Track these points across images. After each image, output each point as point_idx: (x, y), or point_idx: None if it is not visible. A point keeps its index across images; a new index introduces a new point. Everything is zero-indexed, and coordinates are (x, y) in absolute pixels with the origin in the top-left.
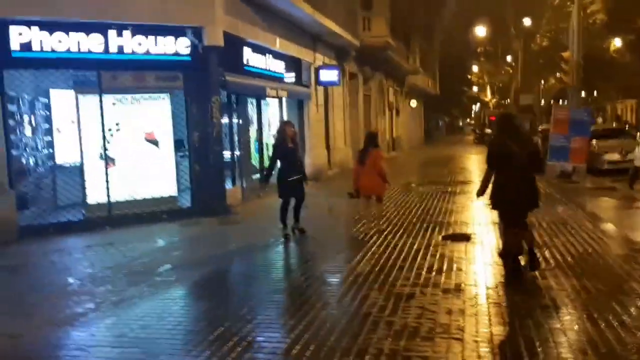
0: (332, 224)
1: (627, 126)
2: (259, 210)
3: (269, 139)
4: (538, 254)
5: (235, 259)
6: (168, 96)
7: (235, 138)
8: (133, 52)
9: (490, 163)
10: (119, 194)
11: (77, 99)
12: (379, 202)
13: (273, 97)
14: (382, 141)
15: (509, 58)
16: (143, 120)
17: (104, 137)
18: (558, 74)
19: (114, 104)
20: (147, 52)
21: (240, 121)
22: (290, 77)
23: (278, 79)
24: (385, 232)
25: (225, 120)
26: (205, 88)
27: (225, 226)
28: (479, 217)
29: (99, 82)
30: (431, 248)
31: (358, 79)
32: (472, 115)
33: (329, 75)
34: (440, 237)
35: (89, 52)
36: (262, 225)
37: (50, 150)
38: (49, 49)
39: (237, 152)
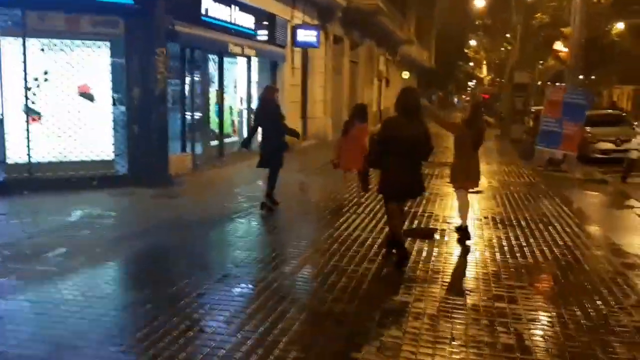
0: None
1: (623, 113)
2: (208, 183)
3: (233, 101)
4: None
5: (145, 244)
6: (107, 45)
7: (190, 98)
8: None
9: (380, 143)
10: (44, 154)
11: None
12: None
13: (237, 54)
14: (369, 113)
15: (507, 35)
16: (77, 71)
17: (26, 87)
18: (557, 47)
19: (42, 49)
20: None
21: (198, 80)
22: (262, 34)
23: (246, 35)
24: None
25: (175, 77)
26: (149, 37)
27: (158, 199)
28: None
29: (23, 23)
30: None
31: (344, 44)
32: (467, 92)
33: (308, 35)
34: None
35: None
36: (202, 200)
37: None
38: None
39: (190, 115)
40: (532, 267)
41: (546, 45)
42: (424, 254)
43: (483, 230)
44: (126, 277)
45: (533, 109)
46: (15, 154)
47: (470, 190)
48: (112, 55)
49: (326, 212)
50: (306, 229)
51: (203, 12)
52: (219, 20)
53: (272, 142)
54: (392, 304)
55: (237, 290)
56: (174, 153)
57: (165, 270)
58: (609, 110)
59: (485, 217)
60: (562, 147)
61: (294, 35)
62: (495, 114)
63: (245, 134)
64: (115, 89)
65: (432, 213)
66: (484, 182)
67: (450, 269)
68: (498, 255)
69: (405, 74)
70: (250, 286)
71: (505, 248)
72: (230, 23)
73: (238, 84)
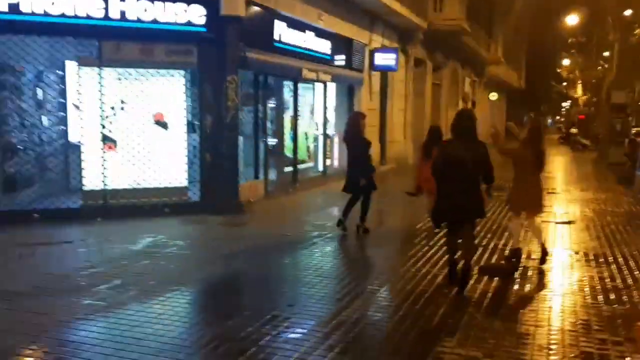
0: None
1: None
2: (278, 210)
3: (309, 127)
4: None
5: (201, 276)
6: (181, 73)
7: (263, 125)
8: (138, 20)
9: (435, 171)
10: (119, 181)
11: (77, 71)
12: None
13: (312, 80)
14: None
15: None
16: (152, 100)
17: (102, 116)
18: None
19: (119, 79)
20: (155, 21)
21: (272, 106)
22: (339, 59)
23: (321, 60)
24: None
25: (248, 104)
26: (221, 65)
27: (225, 228)
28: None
29: (99, 53)
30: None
31: (426, 66)
32: (562, 112)
33: (386, 59)
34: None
35: (88, 17)
36: (268, 228)
37: (62, 128)
38: (41, 12)
39: (264, 141)
40: (630, 317)
41: None
42: (499, 295)
43: (573, 267)
44: (171, 313)
45: (633, 130)
46: (92, 181)
47: (558, 221)
48: (186, 84)
49: (409, 242)
50: (383, 260)
51: (276, 38)
52: (292, 46)
53: (362, 167)
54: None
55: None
56: (247, 180)
57: (219, 306)
58: None
59: (576, 252)
60: None
61: (372, 58)
62: (591, 136)
63: (320, 160)
64: (188, 117)
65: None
66: (576, 211)
67: (529, 316)
68: (589, 300)
69: (494, 95)
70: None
71: (599, 291)
72: (305, 49)
73: (314, 109)
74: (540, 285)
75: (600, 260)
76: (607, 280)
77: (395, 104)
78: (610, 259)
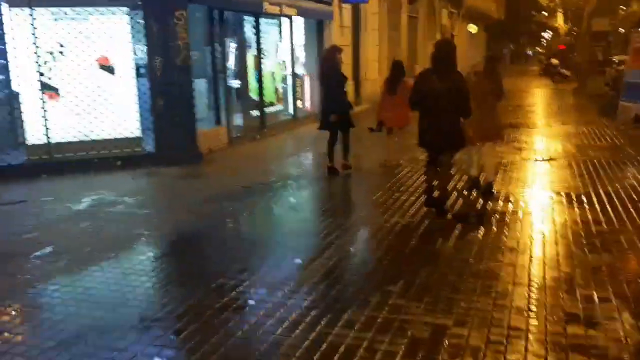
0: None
1: None
2: (244, 158)
3: (276, 67)
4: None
5: (139, 245)
6: (124, 10)
7: (222, 66)
8: None
9: (411, 103)
10: (64, 134)
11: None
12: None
13: (274, 14)
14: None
15: None
16: (94, 42)
17: (39, 62)
18: None
19: (55, 20)
20: None
21: (232, 45)
22: None
23: None
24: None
25: (204, 43)
26: (166, 0)
27: (181, 180)
28: (520, 181)
29: None
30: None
31: None
32: (542, 44)
33: None
34: (449, 215)
35: None
36: (228, 179)
37: (2, 77)
38: None
39: (224, 84)
40: (619, 268)
41: None
42: (473, 245)
43: (554, 211)
44: (102, 287)
45: (615, 58)
46: (34, 135)
47: (538, 158)
48: (131, 22)
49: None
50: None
51: None
52: None
53: (338, 103)
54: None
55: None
56: (206, 127)
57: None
58: None
59: (557, 193)
60: None
61: None
62: (571, 66)
63: (290, 102)
64: (137, 60)
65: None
66: (558, 147)
67: (507, 272)
68: (573, 249)
69: (472, 28)
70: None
71: (583, 237)
72: None
73: (280, 47)
74: (519, 232)
75: (584, 200)
76: (592, 224)
77: (369, 39)
78: (594, 199)
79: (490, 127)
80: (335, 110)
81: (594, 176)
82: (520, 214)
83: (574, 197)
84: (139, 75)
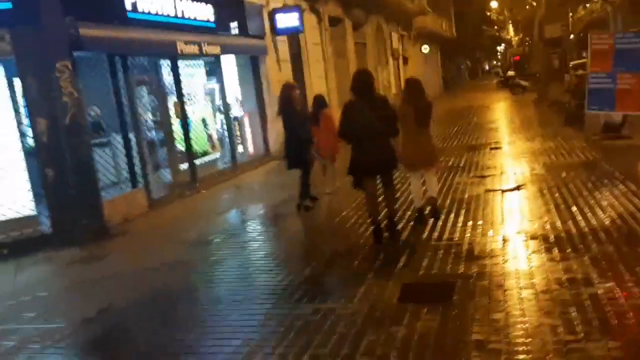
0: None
1: None
2: (164, 225)
3: (206, 111)
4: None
5: None
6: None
7: (132, 119)
8: None
9: (342, 133)
10: None
11: None
12: (332, 163)
13: (194, 55)
14: (388, 96)
15: None
16: None
17: None
18: None
19: None
20: None
21: (145, 93)
22: (229, 26)
23: (203, 29)
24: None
25: (105, 95)
26: (45, 50)
27: (77, 267)
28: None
29: None
30: None
31: (344, 25)
32: (498, 56)
33: (288, 19)
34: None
35: None
36: (140, 259)
37: None
38: None
39: (136, 139)
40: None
41: None
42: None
43: (531, 262)
44: None
45: (572, 64)
46: None
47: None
48: (8, 79)
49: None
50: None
51: (129, 7)
52: (154, 15)
53: (299, 141)
54: None
55: None
56: (118, 193)
57: None
58: None
59: (529, 237)
60: (619, 107)
61: (272, 21)
62: (529, 76)
63: (228, 148)
64: (20, 122)
65: (453, 238)
66: (525, 170)
67: None
68: (562, 334)
69: (425, 48)
70: None
71: (574, 316)
72: (176, 17)
73: (211, 89)
74: (489, 306)
75: (566, 247)
76: (582, 287)
77: (312, 71)
78: (579, 243)
79: (422, 152)
80: (294, 149)
81: (573, 206)
82: (489, 278)
83: (552, 239)
84: (26, 142)
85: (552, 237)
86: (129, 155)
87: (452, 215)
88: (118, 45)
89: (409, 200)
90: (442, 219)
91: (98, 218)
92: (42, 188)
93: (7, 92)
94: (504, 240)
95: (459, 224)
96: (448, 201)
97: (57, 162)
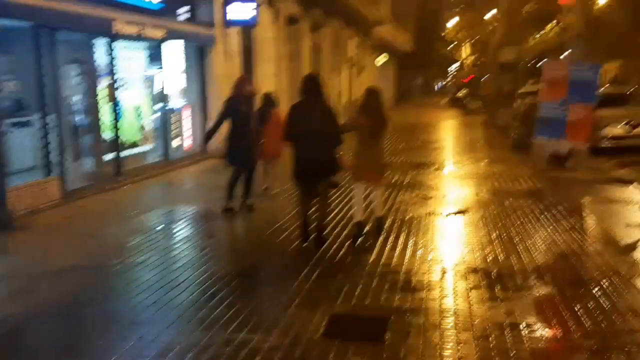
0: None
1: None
2: (75, 221)
3: (142, 99)
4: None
5: None
6: None
7: (54, 100)
8: None
9: (285, 134)
10: None
11: None
12: (273, 164)
13: (131, 36)
14: (338, 105)
15: (492, 12)
16: None
17: None
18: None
19: None
20: None
21: (73, 73)
22: (177, 11)
23: (147, 11)
24: None
25: (23, 71)
26: None
27: None
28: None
29: None
30: None
31: (301, 25)
32: (450, 76)
33: (242, 11)
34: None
35: None
36: (40, 259)
37: None
38: None
39: (56, 123)
40: None
41: (537, 17)
42: None
43: (470, 299)
44: None
45: (521, 91)
46: None
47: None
48: None
49: None
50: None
51: None
52: None
53: (247, 139)
54: None
55: None
56: (30, 179)
57: None
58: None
59: (470, 270)
60: (568, 138)
61: (224, 11)
62: (480, 98)
63: (161, 141)
64: None
65: (390, 264)
66: (469, 193)
67: None
68: None
69: (380, 59)
70: None
71: None
72: None
73: (150, 76)
74: (423, 351)
75: (508, 284)
76: (524, 333)
77: (264, 70)
78: (521, 281)
79: (373, 166)
80: (238, 146)
81: (516, 238)
82: (425, 315)
83: (494, 275)
84: None
85: (494, 273)
86: (45, 138)
87: (392, 237)
88: (46, 16)
89: (348, 216)
90: (380, 240)
91: (1, 207)
92: None
93: None
94: (443, 272)
95: (398, 248)
96: (389, 221)
97: None
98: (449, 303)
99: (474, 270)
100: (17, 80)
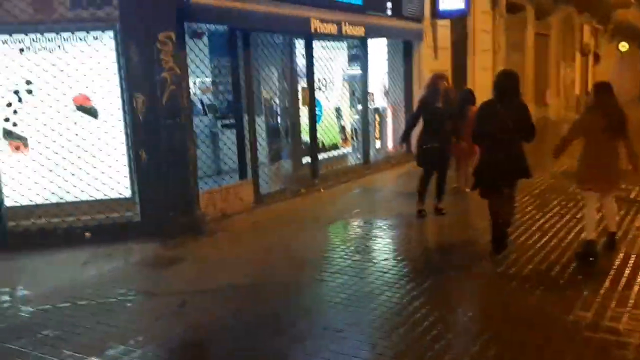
0: None
1: None
2: (264, 227)
3: (343, 101)
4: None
5: None
6: (110, 35)
7: (247, 102)
8: None
9: (474, 134)
10: (32, 195)
11: None
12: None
13: (330, 34)
14: (570, 97)
15: None
16: (69, 76)
17: None
18: None
19: (21, 50)
20: None
21: (270, 74)
22: (379, 6)
23: (345, 6)
24: None
25: (219, 72)
26: (149, 17)
27: (149, 268)
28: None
29: None
30: None
31: (525, 12)
32: None
33: (454, 0)
34: None
35: None
36: (219, 271)
37: None
38: None
39: (249, 125)
40: None
41: None
42: None
43: None
44: None
45: None
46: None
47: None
48: (117, 50)
49: None
50: None
51: None
52: None
53: (440, 139)
54: None
55: None
56: (225, 183)
57: None
58: None
59: None
60: None
61: (434, 2)
62: None
63: (361, 143)
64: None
65: (617, 328)
66: None
67: None
68: None
69: (624, 46)
70: None
71: None
72: None
73: (354, 76)
74: None
75: None
76: None
77: (478, 62)
78: None
79: (607, 171)
80: (429, 147)
81: None
82: None
83: None
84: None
85: None
86: (240, 142)
87: (623, 280)
88: (236, 17)
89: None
90: (605, 286)
91: (191, 210)
92: (134, 171)
93: (116, 64)
94: None
95: (630, 300)
96: (619, 257)
97: (151, 144)
98: None
99: None
100: (223, 83)
